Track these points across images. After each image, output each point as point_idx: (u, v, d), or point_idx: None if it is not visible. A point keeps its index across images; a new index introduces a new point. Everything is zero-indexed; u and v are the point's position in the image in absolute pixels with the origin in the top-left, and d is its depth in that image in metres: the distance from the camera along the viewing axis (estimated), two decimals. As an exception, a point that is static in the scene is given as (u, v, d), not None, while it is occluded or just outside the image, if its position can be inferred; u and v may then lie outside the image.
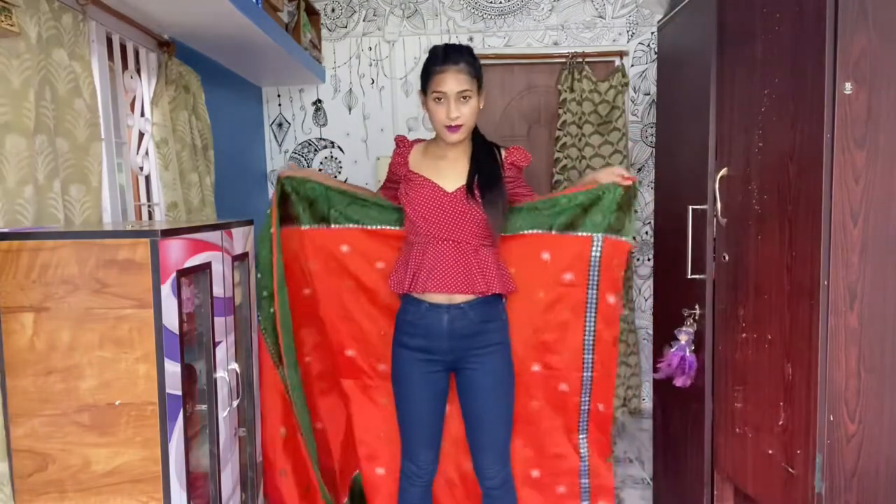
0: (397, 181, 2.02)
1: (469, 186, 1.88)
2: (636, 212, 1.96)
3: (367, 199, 2.12)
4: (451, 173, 1.92)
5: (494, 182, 1.90)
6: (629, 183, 1.97)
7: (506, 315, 2.00)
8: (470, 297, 1.88)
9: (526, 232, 2.06)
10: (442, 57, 1.83)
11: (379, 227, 2.12)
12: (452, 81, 1.80)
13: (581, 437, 2.15)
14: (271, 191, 3.71)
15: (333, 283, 2.14)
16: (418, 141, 2.03)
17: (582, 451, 2.16)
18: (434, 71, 1.83)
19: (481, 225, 1.89)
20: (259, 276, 2.05)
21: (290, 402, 2.06)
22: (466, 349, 1.90)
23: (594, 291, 2.05)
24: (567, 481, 2.18)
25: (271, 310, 2.04)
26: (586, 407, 2.12)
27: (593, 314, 2.06)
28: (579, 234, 2.03)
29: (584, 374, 2.10)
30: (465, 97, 1.82)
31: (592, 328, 2.07)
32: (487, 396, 1.92)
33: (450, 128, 1.84)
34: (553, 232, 2.05)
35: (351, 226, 2.12)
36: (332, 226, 2.12)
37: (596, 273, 2.03)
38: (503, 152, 1.98)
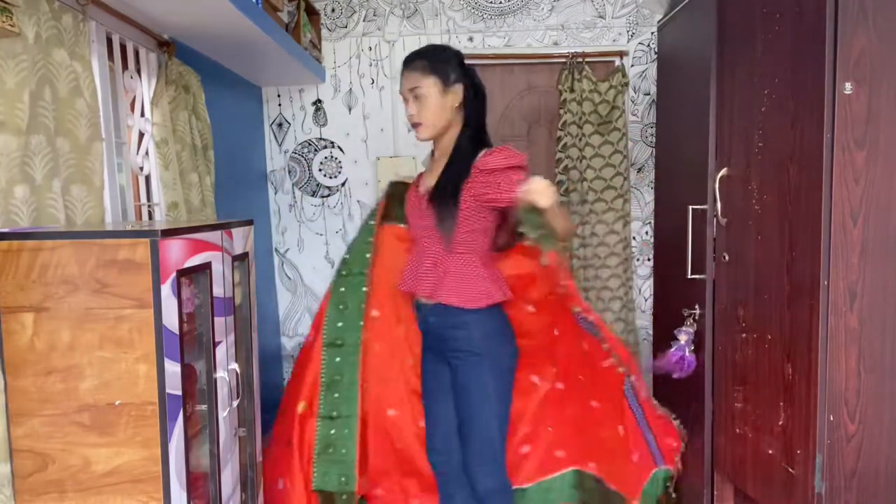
0: None
1: (431, 191, 1.89)
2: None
3: None
4: (432, 174, 1.97)
5: (446, 192, 1.83)
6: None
7: (482, 327, 1.90)
8: (431, 300, 1.92)
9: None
10: (404, 60, 1.92)
11: None
12: (405, 80, 1.88)
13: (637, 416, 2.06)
14: (271, 191, 3.73)
15: None
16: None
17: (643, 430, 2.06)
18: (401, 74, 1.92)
19: (437, 232, 1.89)
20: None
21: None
22: (446, 349, 1.97)
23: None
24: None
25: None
26: (630, 385, 2.05)
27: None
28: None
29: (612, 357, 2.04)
30: (416, 95, 1.85)
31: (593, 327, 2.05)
32: (462, 399, 1.96)
33: (412, 126, 1.91)
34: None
35: None
36: None
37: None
38: (479, 157, 1.86)
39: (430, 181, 1.95)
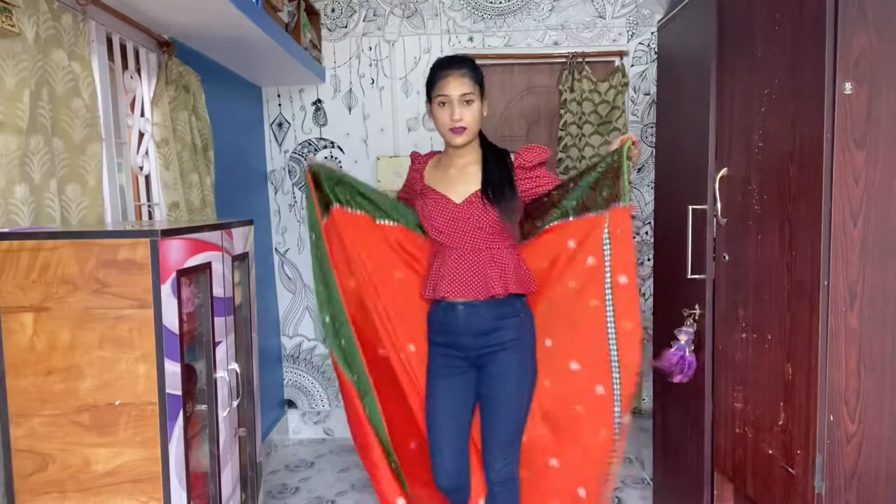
0: (413, 195, 2.12)
1: (484, 192, 1.95)
2: (631, 177, 1.85)
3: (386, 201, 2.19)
4: (461, 181, 2.01)
5: (505, 187, 1.96)
6: (627, 142, 1.81)
7: (526, 313, 2.03)
8: (482, 297, 1.96)
9: (550, 225, 2.04)
10: (446, 63, 1.95)
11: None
12: (455, 85, 1.91)
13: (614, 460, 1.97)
14: (271, 191, 3.73)
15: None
16: (432, 155, 2.13)
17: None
18: (438, 76, 1.94)
19: (496, 228, 1.96)
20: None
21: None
22: (484, 346, 1.99)
23: (609, 273, 1.87)
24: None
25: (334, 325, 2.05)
26: (618, 419, 1.91)
27: (611, 300, 1.88)
28: (592, 214, 1.92)
29: (613, 374, 1.91)
30: (467, 101, 1.92)
31: (612, 317, 1.88)
32: (497, 386, 1.99)
33: (454, 130, 1.93)
34: (571, 219, 1.98)
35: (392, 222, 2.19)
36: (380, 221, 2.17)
37: (608, 250, 1.87)
38: (513, 157, 2.03)
39: (463, 185, 1.99)
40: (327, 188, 2.08)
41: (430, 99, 1.99)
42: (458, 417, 2.04)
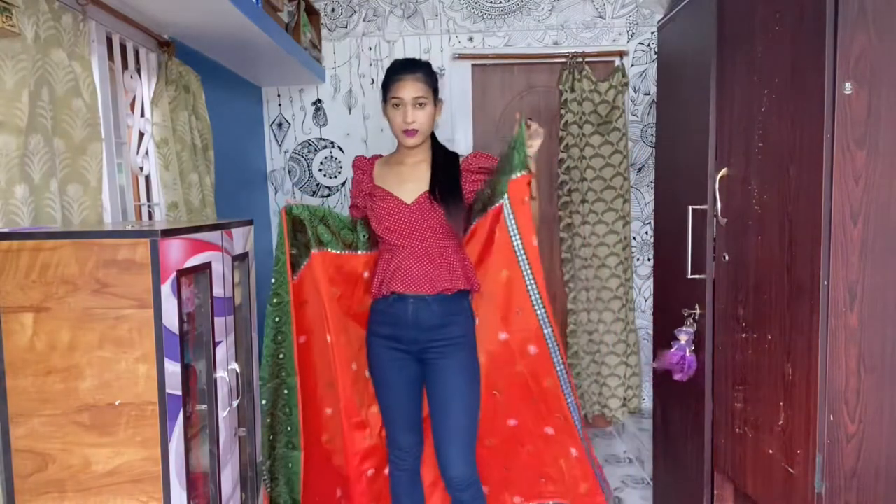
0: (363, 199, 2.13)
1: (432, 192, 2.01)
2: (527, 146, 1.97)
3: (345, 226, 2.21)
4: (411, 179, 2.06)
5: (453, 188, 2.03)
6: (520, 119, 1.98)
7: (471, 311, 2.10)
8: (432, 292, 2.01)
9: (476, 222, 2.14)
10: (401, 67, 2.01)
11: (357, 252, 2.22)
12: (409, 88, 1.97)
13: (569, 400, 2.10)
14: (271, 191, 3.73)
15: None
16: (377, 158, 2.18)
17: (573, 412, 2.11)
18: (393, 79, 2.00)
19: (444, 228, 2.03)
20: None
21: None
22: (430, 340, 2.02)
23: (517, 238, 2.02)
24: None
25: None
26: (561, 366, 2.07)
27: (527, 263, 2.03)
28: (498, 199, 2.04)
29: (545, 330, 2.05)
30: (420, 104, 1.98)
31: (532, 279, 2.03)
32: (449, 385, 2.03)
33: (406, 132, 1.99)
34: (488, 209, 2.09)
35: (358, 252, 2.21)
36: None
37: (512, 220, 2.02)
38: (461, 161, 2.09)
39: (413, 184, 2.04)
40: (310, 230, 2.08)
41: (385, 100, 2.04)
42: (415, 401, 2.11)
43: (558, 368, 2.07)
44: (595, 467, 2.16)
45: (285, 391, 2.10)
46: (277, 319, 2.06)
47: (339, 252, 2.14)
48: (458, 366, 2.03)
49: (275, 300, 2.06)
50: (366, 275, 2.19)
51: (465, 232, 2.14)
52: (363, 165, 2.15)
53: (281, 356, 2.08)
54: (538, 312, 2.04)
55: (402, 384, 2.09)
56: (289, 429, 2.12)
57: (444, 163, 2.07)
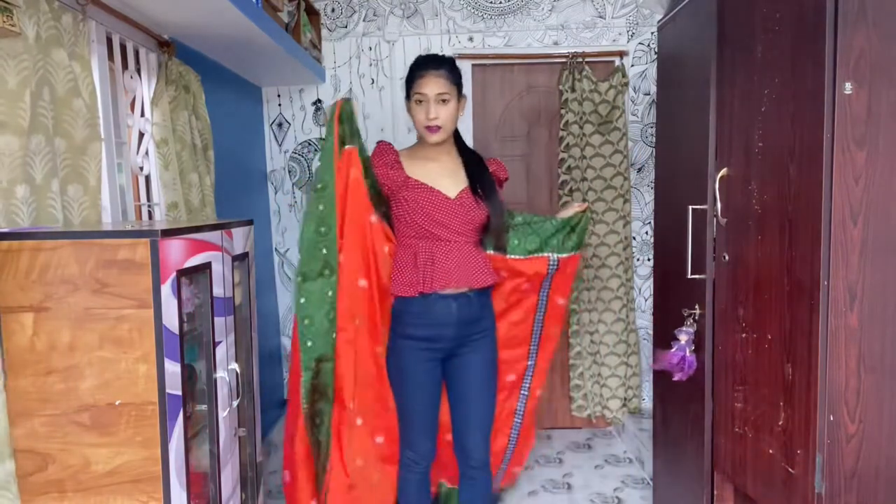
0: (387, 182, 2.03)
1: (473, 189, 2.04)
2: (589, 232, 2.28)
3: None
4: (446, 175, 2.06)
5: (493, 187, 2.09)
6: (584, 210, 2.24)
7: (492, 302, 2.20)
8: (475, 287, 2.05)
9: (510, 257, 2.21)
10: (424, 63, 2.00)
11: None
12: (432, 84, 1.96)
13: (516, 419, 2.38)
14: (271, 191, 3.74)
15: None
16: (394, 147, 2.12)
17: (513, 433, 2.39)
18: (417, 75, 1.98)
19: (478, 225, 2.07)
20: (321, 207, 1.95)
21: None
22: (468, 335, 2.06)
23: (545, 294, 2.28)
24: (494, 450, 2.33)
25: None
26: (526, 392, 2.37)
27: (542, 314, 2.30)
28: (539, 255, 2.22)
29: (529, 362, 2.34)
30: (443, 100, 1.97)
31: (540, 326, 2.31)
32: (480, 376, 2.10)
33: (429, 128, 1.98)
34: (520, 257, 2.22)
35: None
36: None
37: (548, 282, 2.27)
38: (485, 161, 2.15)
39: (450, 181, 2.05)
40: (347, 127, 1.97)
41: (408, 96, 2.03)
42: (436, 406, 2.13)
43: (518, 410, 2.37)
44: (505, 462, 2.41)
45: (329, 291, 1.97)
46: (321, 207, 1.94)
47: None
48: (486, 359, 2.10)
49: (319, 185, 1.95)
50: (385, 249, 2.07)
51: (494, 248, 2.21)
52: (391, 152, 2.06)
53: (324, 251, 1.95)
54: (527, 372, 2.35)
55: (429, 388, 2.08)
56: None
57: (476, 162, 2.11)
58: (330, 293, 1.97)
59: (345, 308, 2.00)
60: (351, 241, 1.99)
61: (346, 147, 1.97)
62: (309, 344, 1.99)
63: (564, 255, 2.21)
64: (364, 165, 1.99)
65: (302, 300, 1.95)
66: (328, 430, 2.04)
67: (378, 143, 2.11)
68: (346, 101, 1.98)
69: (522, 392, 2.36)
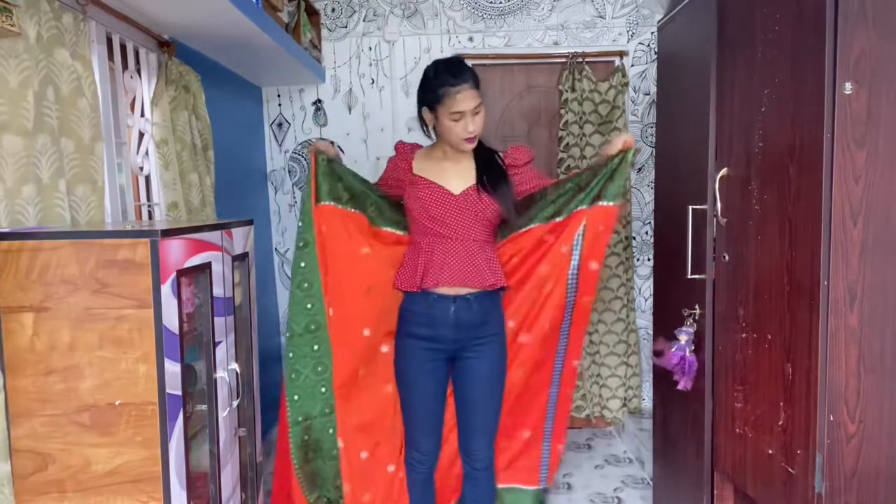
0: (396, 184, 2.11)
1: (480, 184, 2.02)
2: (628, 177, 2.01)
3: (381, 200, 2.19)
4: (456, 173, 2.05)
5: (501, 177, 2.05)
6: (629, 146, 2.03)
7: (502, 307, 2.13)
8: (475, 289, 2.01)
9: (531, 227, 2.15)
10: (455, 78, 1.91)
11: (386, 229, 2.19)
12: (469, 100, 1.92)
13: (552, 390, 2.26)
14: (271, 191, 3.73)
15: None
16: (417, 147, 2.14)
17: (549, 407, 2.28)
18: (450, 91, 1.90)
19: (486, 223, 2.03)
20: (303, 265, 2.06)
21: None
22: (469, 339, 2.03)
23: (577, 258, 2.10)
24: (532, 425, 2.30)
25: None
26: (560, 366, 2.24)
27: (575, 280, 2.12)
28: (574, 210, 2.09)
29: (561, 335, 2.19)
30: (477, 112, 1.96)
31: (574, 294, 2.13)
32: (485, 383, 2.07)
33: (468, 140, 1.97)
34: (554, 220, 2.12)
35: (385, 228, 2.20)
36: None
37: (580, 241, 2.09)
38: (501, 155, 2.11)
39: (458, 179, 2.04)
40: (324, 181, 2.05)
41: (432, 107, 1.95)
42: (441, 405, 2.14)
43: (552, 392, 2.24)
44: (546, 453, 2.31)
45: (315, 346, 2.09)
46: (303, 265, 2.06)
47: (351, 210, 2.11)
48: (492, 364, 2.07)
49: (301, 244, 2.05)
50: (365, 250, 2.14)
51: (516, 229, 2.15)
52: (404, 151, 2.11)
53: (309, 306, 2.07)
54: (559, 343, 2.19)
55: (433, 386, 2.08)
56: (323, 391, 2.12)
57: (487, 157, 2.08)
58: (316, 347, 2.08)
59: (343, 361, 2.11)
60: (341, 294, 2.10)
61: (320, 204, 2.05)
62: (296, 398, 2.11)
63: (601, 204, 2.04)
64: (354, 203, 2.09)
65: (290, 354, 2.08)
66: (332, 484, 2.17)
67: (396, 145, 2.15)
68: (320, 154, 2.04)
69: (556, 366, 2.24)
